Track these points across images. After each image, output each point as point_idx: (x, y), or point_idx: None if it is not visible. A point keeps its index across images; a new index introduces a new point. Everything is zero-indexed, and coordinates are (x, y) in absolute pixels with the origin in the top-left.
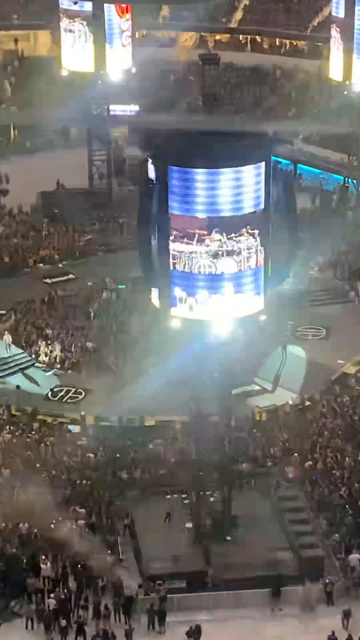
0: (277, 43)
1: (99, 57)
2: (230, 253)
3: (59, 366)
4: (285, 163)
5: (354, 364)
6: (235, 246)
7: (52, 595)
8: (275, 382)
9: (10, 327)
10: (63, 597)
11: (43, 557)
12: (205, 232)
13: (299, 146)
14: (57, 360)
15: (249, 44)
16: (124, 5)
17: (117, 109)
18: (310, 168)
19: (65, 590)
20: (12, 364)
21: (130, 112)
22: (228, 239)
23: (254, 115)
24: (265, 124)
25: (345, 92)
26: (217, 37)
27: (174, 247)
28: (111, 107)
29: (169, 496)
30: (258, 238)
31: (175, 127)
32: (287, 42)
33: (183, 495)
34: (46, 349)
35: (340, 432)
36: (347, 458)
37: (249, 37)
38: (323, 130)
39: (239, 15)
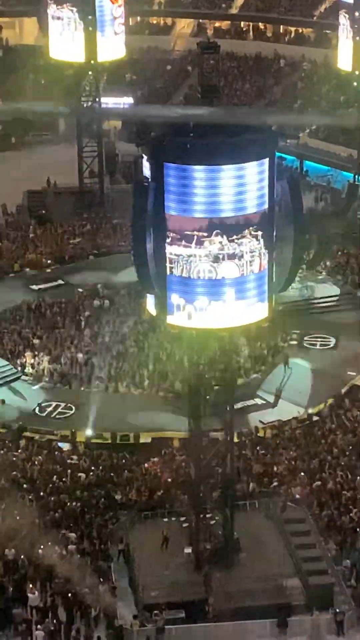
0: (281, 30)
1: (90, 46)
2: (231, 256)
3: (47, 379)
4: (290, 159)
5: None
6: (237, 249)
7: (40, 626)
8: (276, 397)
9: None
10: (52, 628)
11: (30, 585)
12: (205, 234)
13: (306, 141)
14: (46, 372)
15: (250, 32)
16: None
17: (109, 102)
18: (317, 164)
19: (55, 621)
20: None
21: (123, 104)
22: (229, 241)
23: (256, 107)
24: (268, 116)
25: (356, 84)
26: (217, 24)
27: (171, 250)
28: (103, 99)
29: (166, 519)
30: (261, 240)
31: (172, 120)
32: (292, 29)
33: (181, 518)
34: (33, 360)
35: (351, 449)
36: (358, 477)
37: (250, 24)
38: (331, 124)
39: (239, 0)
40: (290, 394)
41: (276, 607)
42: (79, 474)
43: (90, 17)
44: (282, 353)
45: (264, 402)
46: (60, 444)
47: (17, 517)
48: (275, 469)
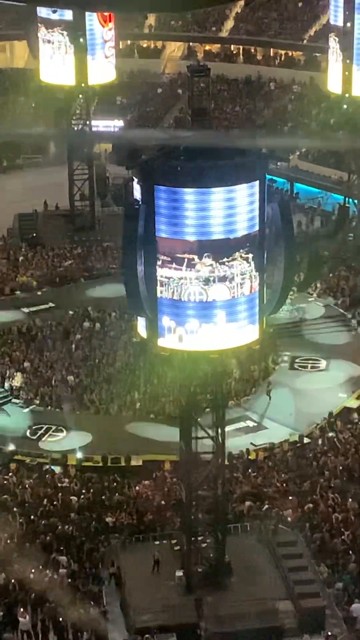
0: (271, 53)
1: (80, 70)
2: (222, 279)
3: (38, 402)
4: (281, 182)
5: (357, 397)
6: (227, 271)
7: None
8: (259, 423)
9: None
10: None
11: (21, 609)
12: (196, 257)
13: (296, 164)
14: (36, 395)
15: (241, 55)
16: (106, 14)
17: (100, 125)
18: (307, 187)
19: None
20: None
21: (114, 127)
22: (220, 263)
23: (247, 130)
24: (259, 139)
25: (345, 106)
26: (207, 47)
27: (161, 273)
28: (93, 122)
29: (157, 542)
30: (252, 263)
31: (162, 142)
32: (282, 52)
33: (173, 541)
34: (24, 383)
35: (342, 470)
36: (350, 499)
37: (241, 47)
38: (322, 146)
39: (230, 24)
40: (281, 416)
41: (268, 630)
42: (70, 497)
43: (80, 40)
44: (265, 381)
45: (255, 424)
46: (51, 467)
47: (8, 541)
48: (266, 491)
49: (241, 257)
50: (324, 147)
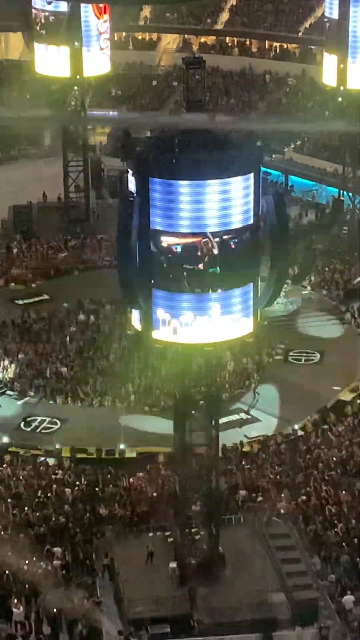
0: (266, 46)
1: (76, 61)
2: None
3: (32, 394)
4: (275, 174)
5: (350, 390)
6: None
7: None
8: (245, 419)
9: None
10: None
11: (15, 600)
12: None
13: (291, 156)
14: (30, 387)
15: (236, 47)
16: (101, 6)
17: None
18: (302, 180)
19: (40, 637)
20: None
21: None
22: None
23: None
24: (252, 122)
25: (340, 99)
26: (202, 39)
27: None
28: (88, 114)
29: (151, 533)
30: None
31: (158, 127)
32: (277, 45)
33: (166, 533)
34: (18, 375)
35: (335, 463)
36: (343, 492)
37: (235, 39)
38: (318, 130)
39: (225, 16)
40: (274, 409)
41: (261, 622)
42: (64, 489)
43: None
44: (253, 378)
45: (249, 417)
46: (45, 459)
47: (2, 533)
48: (260, 483)
49: None
50: (323, 129)
